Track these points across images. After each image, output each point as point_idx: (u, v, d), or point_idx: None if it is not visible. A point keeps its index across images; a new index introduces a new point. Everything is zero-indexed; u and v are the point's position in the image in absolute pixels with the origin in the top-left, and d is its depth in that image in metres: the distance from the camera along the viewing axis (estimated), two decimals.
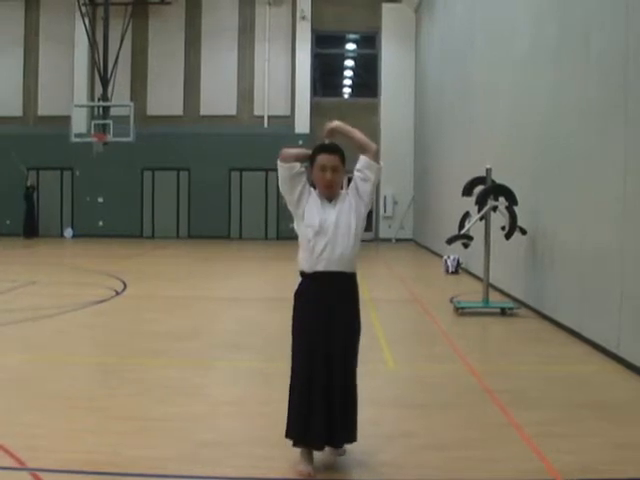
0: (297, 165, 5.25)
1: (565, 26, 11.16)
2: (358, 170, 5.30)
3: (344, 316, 5.23)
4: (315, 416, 5.07)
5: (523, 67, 13.46)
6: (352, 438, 5.30)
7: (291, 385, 5.23)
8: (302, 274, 5.27)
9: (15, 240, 29.52)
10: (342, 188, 5.40)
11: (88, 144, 27.97)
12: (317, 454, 5.25)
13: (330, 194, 5.27)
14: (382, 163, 5.42)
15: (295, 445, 5.19)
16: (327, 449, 5.28)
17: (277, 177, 5.27)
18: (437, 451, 5.65)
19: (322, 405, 5.08)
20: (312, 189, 5.33)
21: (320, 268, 5.15)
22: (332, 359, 5.13)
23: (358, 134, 5.31)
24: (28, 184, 30.87)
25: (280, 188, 5.32)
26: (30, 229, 30.86)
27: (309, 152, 5.29)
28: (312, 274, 5.19)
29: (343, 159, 5.25)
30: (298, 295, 5.27)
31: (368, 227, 30.91)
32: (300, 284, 5.27)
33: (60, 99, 31.20)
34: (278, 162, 5.23)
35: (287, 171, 5.22)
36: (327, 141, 5.33)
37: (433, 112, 26.29)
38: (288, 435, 5.21)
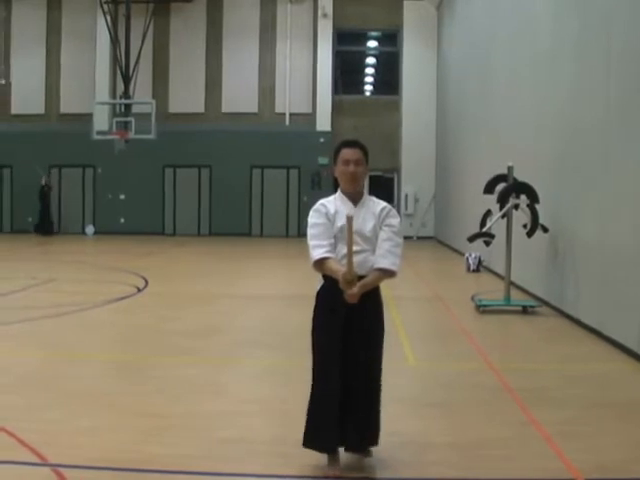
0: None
1: (586, 20, 11.11)
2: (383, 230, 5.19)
3: (366, 320, 5.15)
4: (328, 423, 5.08)
5: (545, 63, 13.40)
6: (373, 442, 5.30)
7: (312, 388, 5.22)
8: (324, 276, 5.16)
9: (36, 237, 29.72)
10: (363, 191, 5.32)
11: (110, 141, 28.04)
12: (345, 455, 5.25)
13: (353, 188, 5.20)
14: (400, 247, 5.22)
15: (305, 446, 5.21)
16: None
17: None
18: (456, 449, 5.65)
19: (336, 412, 5.06)
20: (332, 199, 5.26)
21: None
22: (353, 362, 5.10)
23: (376, 281, 5.14)
24: (43, 183, 31.00)
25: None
26: (44, 227, 31.00)
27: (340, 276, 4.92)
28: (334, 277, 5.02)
29: (366, 154, 5.24)
30: (320, 296, 5.23)
31: None
32: (322, 285, 5.20)
33: (82, 97, 31.28)
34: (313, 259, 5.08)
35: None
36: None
37: (455, 109, 26.22)
38: (304, 440, 5.23)
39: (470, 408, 6.85)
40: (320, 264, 5.05)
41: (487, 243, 13.69)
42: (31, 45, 32.33)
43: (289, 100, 31.97)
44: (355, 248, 4.90)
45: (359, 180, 5.20)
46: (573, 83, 11.72)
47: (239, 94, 31.90)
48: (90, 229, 32.11)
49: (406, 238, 30.49)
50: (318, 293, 5.24)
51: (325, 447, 5.18)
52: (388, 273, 5.09)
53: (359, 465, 5.28)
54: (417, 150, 31.36)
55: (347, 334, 5.08)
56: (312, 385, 5.21)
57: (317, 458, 5.21)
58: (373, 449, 5.34)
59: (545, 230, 12.34)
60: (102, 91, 31.84)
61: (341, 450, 5.21)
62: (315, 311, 5.24)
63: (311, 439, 5.17)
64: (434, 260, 24.42)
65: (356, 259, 4.91)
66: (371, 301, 5.15)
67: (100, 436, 5.82)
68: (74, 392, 7.18)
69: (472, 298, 13.34)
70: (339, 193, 5.27)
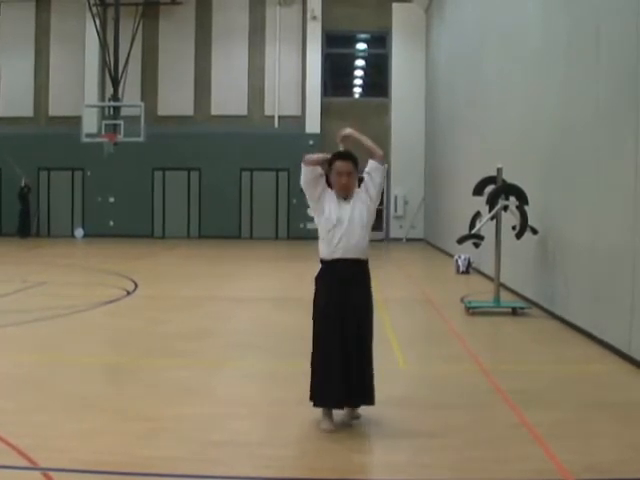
0: (318, 168, 6.29)
1: (575, 23, 11.13)
2: (367, 173, 6.35)
3: (358, 294, 6.19)
4: (333, 381, 5.99)
5: (534, 65, 13.42)
6: (369, 402, 6.22)
7: (312, 356, 6.18)
8: (322, 261, 6.27)
9: (19, 240, 29.63)
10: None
11: (99, 144, 27.99)
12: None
13: (346, 195, 6.28)
14: (386, 165, 6.22)
15: (315, 405, 6.11)
16: (345, 412, 6.24)
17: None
18: (448, 451, 5.65)
19: (339, 372, 5.99)
20: (329, 189, 6.31)
21: (338, 256, 6.15)
22: (348, 331, 6.08)
23: (367, 141, 6.38)
24: (22, 184, 30.92)
25: (303, 187, 6.32)
26: (25, 229, 30.93)
27: (328, 156, 6.31)
28: (331, 261, 6.18)
29: (356, 164, 6.27)
30: (318, 279, 6.31)
31: (379, 227, 30.91)
32: (320, 269, 6.28)
33: (71, 99, 31.20)
34: (302, 165, 6.25)
35: (310, 174, 6.25)
36: (341, 147, 6.39)
37: (444, 111, 26.24)
38: (311, 398, 6.13)
39: (461, 410, 6.85)
40: (307, 162, 6.24)
41: (476, 245, 13.71)
42: (20, 47, 32.20)
43: (278, 102, 31.98)
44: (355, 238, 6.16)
45: (351, 189, 6.30)
46: (563, 85, 11.74)
47: (228, 96, 31.89)
48: (79, 232, 32.03)
49: (395, 240, 30.63)
50: (317, 276, 6.32)
51: (334, 404, 6.10)
52: (377, 156, 6.33)
53: (351, 465, 5.27)
54: (407, 152, 31.40)
55: (343, 306, 6.10)
56: (312, 353, 6.18)
57: (306, 459, 5.21)
58: (362, 447, 5.36)
59: (534, 232, 12.35)
60: (91, 94, 31.74)
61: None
62: (316, 288, 6.31)
63: (321, 398, 6.09)
64: (424, 262, 24.44)
65: (353, 242, 6.14)
66: (361, 277, 6.28)
67: (91, 439, 5.80)
68: (65, 395, 7.15)
69: (462, 300, 13.36)
70: (333, 192, 6.33)
